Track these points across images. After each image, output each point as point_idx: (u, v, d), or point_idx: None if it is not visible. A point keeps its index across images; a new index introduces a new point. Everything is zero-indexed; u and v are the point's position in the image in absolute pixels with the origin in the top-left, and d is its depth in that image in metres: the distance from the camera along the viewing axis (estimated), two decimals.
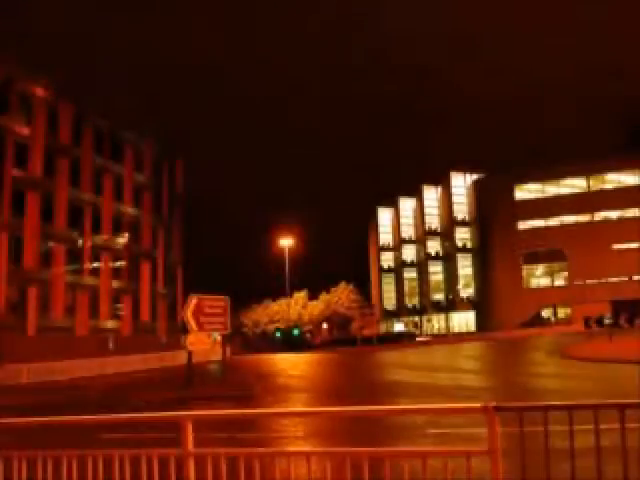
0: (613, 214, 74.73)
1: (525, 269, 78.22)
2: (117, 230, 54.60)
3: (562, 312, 76.33)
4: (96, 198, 52.00)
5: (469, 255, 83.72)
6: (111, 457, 4.64)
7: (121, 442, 6.62)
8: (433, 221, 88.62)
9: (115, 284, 53.71)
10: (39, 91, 46.64)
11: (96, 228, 51.88)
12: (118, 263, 54.60)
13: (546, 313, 76.89)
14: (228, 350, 44.35)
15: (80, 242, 50.20)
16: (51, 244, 47.54)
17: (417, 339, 69.18)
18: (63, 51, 74.27)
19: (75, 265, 49.71)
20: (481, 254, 79.59)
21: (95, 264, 52.09)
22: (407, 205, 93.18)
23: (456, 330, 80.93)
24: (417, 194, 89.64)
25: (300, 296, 78.24)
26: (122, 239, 55.24)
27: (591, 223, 74.86)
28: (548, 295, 75.40)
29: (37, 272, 45.17)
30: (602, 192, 75.14)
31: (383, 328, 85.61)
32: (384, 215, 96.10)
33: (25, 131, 45.41)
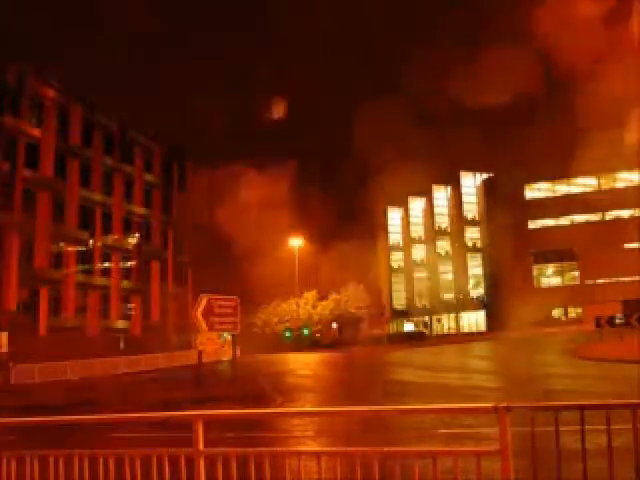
0: (624, 213, 74.18)
1: (535, 268, 77.76)
2: (127, 230, 54.88)
3: (573, 312, 75.79)
4: (106, 198, 52.28)
5: (479, 255, 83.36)
6: (122, 456, 4.67)
7: (132, 441, 6.66)
8: (443, 221, 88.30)
9: (125, 284, 53.97)
10: (50, 93, 46.95)
11: (106, 228, 52.16)
12: (128, 263, 54.87)
13: (557, 313, 76.41)
14: (238, 350, 44.37)
15: (91, 242, 50.49)
16: (62, 244, 47.84)
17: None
18: (74, 53, 74.77)
19: (86, 265, 50.01)
20: (491, 254, 79.28)
21: (106, 264, 52.38)
22: (417, 205, 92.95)
23: (466, 330, 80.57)
24: (427, 194, 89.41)
25: (310, 296, 78.26)
26: (132, 239, 55.50)
27: (602, 222, 74.31)
28: (559, 295, 74.88)
29: (48, 272, 45.46)
30: (613, 191, 74.61)
31: (393, 328, 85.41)
32: (394, 215, 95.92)
33: (36, 132, 45.72)
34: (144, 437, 7.14)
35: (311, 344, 68.54)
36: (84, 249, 49.84)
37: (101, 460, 4.68)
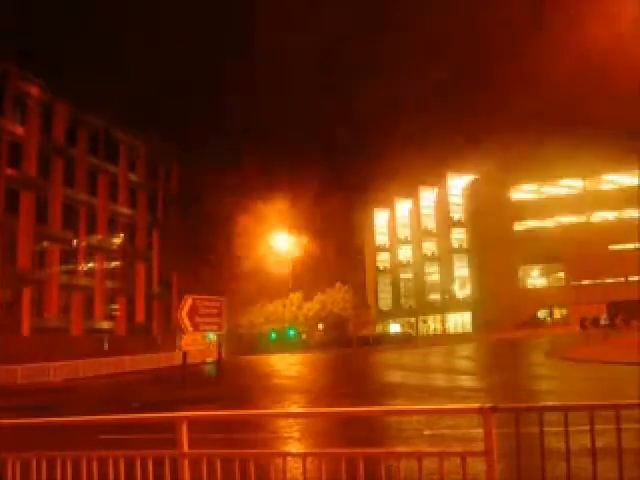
0: (609, 215, 74.91)
1: (521, 270, 78.30)
2: (112, 230, 54.48)
3: (558, 313, 76.41)
4: (91, 198, 51.87)
5: (465, 256, 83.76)
6: (106, 458, 4.62)
7: (116, 443, 6.60)
8: (429, 222, 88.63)
9: (110, 284, 53.56)
10: (34, 90, 46.50)
11: (91, 228, 51.75)
12: (113, 263, 54.48)
13: (542, 314, 76.99)
14: (223, 351, 44.13)
15: (75, 242, 50.07)
16: (45, 244, 47.39)
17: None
18: (58, 50, 74.12)
19: (69, 265, 49.58)
20: (477, 255, 79.69)
21: (90, 264, 51.96)
22: (403, 206, 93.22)
23: (452, 331, 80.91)
24: (413, 195, 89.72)
25: (296, 297, 78.17)
26: (117, 239, 55.13)
27: (587, 224, 75.01)
28: (544, 296, 75.48)
29: (31, 272, 45.01)
30: (599, 193, 75.31)
31: (379, 329, 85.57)
32: (380, 216, 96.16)
33: (19, 130, 45.27)
34: (128, 439, 7.09)
35: (297, 345, 68.51)
36: (68, 249, 49.42)
37: (84, 462, 4.63)
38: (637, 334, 36.87)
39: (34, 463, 4.73)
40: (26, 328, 43.91)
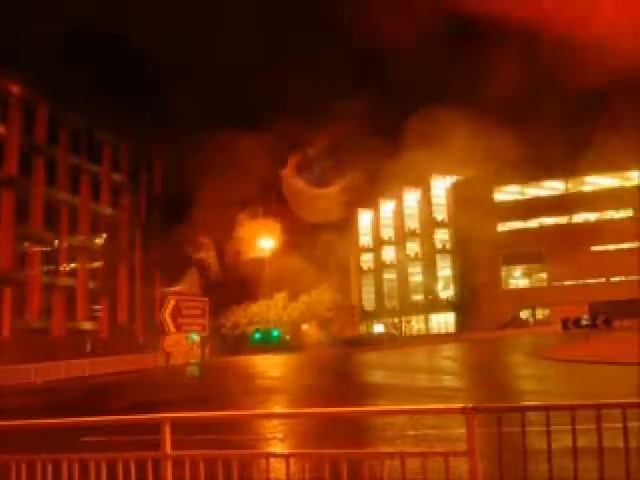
0: (591, 216, 75.63)
1: (504, 270, 78.76)
2: (94, 230, 54.04)
3: (540, 313, 76.95)
4: (72, 198, 51.40)
5: (448, 256, 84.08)
6: (87, 461, 4.57)
7: (98, 445, 6.54)
8: (413, 223, 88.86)
9: (92, 285, 53.11)
10: (14, 89, 45.98)
11: (72, 228, 51.28)
12: (95, 264, 54.04)
13: (524, 314, 77.50)
14: (207, 351, 44.10)
15: (56, 242, 49.59)
16: (26, 244, 46.90)
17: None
18: (39, 49, 73.24)
19: (51, 266, 49.10)
20: (460, 255, 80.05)
21: (71, 265, 51.50)
22: (387, 207, 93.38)
23: (435, 331, 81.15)
24: (397, 196, 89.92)
25: (280, 297, 78.03)
26: (99, 240, 54.69)
27: (569, 225, 75.67)
28: (527, 296, 75.99)
29: (12, 273, 44.51)
30: (580, 194, 76.01)
31: (363, 329, 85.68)
32: (364, 217, 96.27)
33: (0, 129, 44.76)
34: (110, 441, 7.04)
35: (281, 346, 68.42)
36: (49, 249, 48.93)
37: (65, 465, 4.58)
38: (617, 334, 37.31)
39: (13, 466, 4.67)
40: (7, 329, 43.41)
